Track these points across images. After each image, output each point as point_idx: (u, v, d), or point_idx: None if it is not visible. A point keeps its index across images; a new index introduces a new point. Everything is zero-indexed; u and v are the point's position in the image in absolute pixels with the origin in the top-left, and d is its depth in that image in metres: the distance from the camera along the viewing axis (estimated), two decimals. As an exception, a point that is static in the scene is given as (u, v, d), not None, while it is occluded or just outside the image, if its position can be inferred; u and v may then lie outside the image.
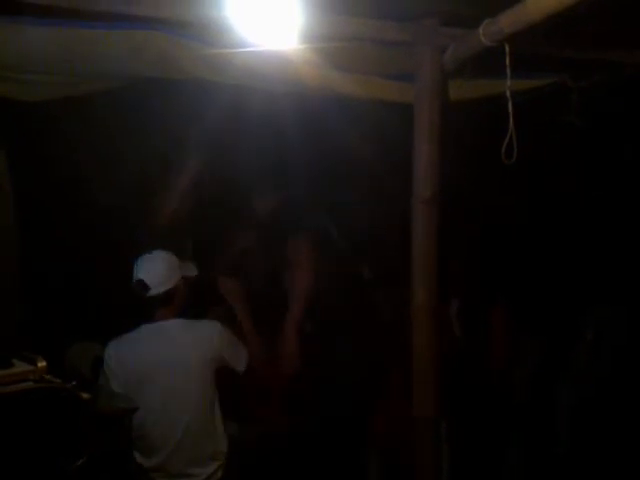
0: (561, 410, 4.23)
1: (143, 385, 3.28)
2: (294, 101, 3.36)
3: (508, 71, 2.78)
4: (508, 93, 2.80)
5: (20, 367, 2.42)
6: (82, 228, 3.90)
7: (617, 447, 3.94)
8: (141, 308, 3.36)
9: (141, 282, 3.31)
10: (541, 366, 4.28)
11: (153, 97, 3.58)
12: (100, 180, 3.94)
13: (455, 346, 4.01)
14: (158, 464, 3.32)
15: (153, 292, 3.31)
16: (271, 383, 3.95)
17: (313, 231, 4.12)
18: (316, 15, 2.61)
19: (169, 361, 3.30)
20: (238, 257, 4.04)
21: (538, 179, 4.37)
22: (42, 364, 2.45)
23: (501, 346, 4.22)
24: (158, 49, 2.84)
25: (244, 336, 3.58)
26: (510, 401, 4.21)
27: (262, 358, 3.63)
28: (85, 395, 2.59)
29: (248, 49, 2.66)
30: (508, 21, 2.60)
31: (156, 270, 3.34)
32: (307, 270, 4.00)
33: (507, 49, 2.75)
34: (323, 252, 4.08)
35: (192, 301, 3.49)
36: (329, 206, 4.29)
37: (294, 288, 3.99)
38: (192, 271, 3.51)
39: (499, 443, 4.17)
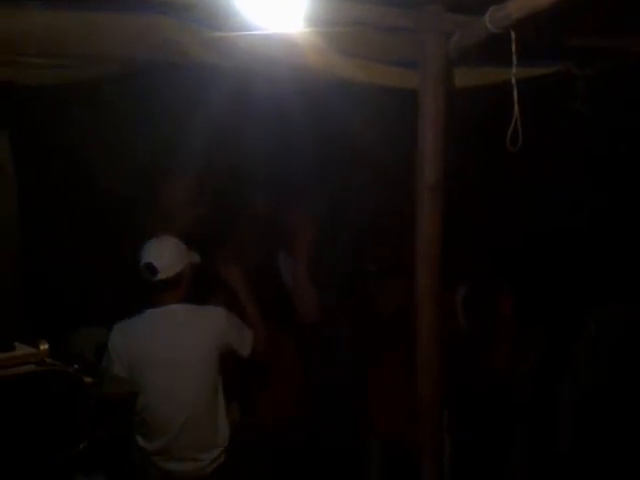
0: (563, 407, 4.23)
1: (147, 368, 3.29)
2: (299, 86, 3.35)
3: (514, 58, 2.77)
4: (514, 80, 2.79)
5: (22, 350, 2.43)
6: (86, 215, 3.90)
7: (619, 445, 3.94)
8: (146, 292, 3.36)
9: (150, 265, 3.32)
10: (543, 362, 4.28)
11: (158, 83, 3.56)
12: (105, 167, 3.93)
13: (459, 336, 4.00)
14: (161, 448, 3.34)
15: (161, 276, 3.33)
16: (275, 373, 3.94)
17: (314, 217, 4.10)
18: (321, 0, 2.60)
19: (174, 345, 3.31)
20: (240, 245, 4.03)
21: (543, 167, 4.36)
22: (44, 347, 2.46)
23: (505, 338, 4.21)
24: (163, 33, 2.82)
25: (248, 322, 3.57)
26: (512, 397, 4.21)
27: (267, 343, 3.62)
28: (87, 378, 2.60)
29: (253, 32, 2.64)
30: (514, 7, 2.58)
31: (164, 254, 3.36)
32: (308, 228, 4.01)
33: (513, 36, 2.74)
34: (324, 240, 4.06)
35: (194, 290, 3.49)
36: (332, 192, 4.27)
37: (296, 240, 4.02)
38: (195, 258, 3.51)
39: (502, 440, 4.17)
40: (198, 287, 3.56)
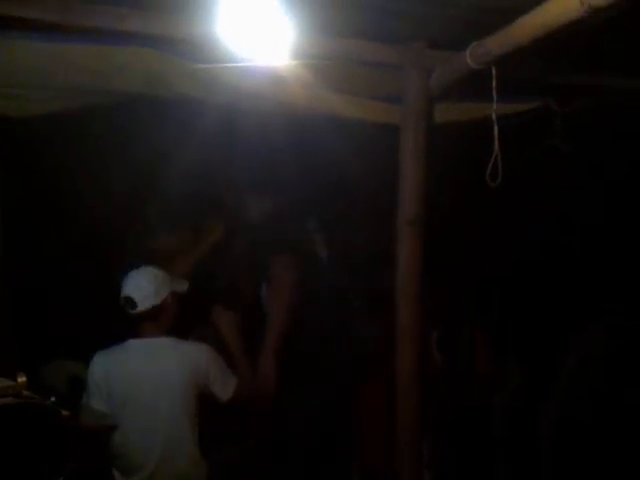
0: (543, 440, 4.22)
1: (126, 402, 3.24)
2: (283, 118, 3.37)
3: (494, 94, 2.81)
4: (494, 116, 2.83)
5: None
6: (67, 243, 3.88)
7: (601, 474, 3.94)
8: (127, 323, 3.33)
9: (128, 298, 3.28)
10: (522, 395, 4.28)
11: (144, 115, 3.57)
12: (88, 197, 3.92)
13: (436, 370, 4.00)
14: None
15: (140, 308, 3.29)
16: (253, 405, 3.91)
17: (298, 244, 4.08)
18: (306, 34, 2.62)
19: (153, 380, 3.26)
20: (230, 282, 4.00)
21: (521, 202, 4.40)
22: (22, 379, 2.42)
23: (483, 374, 4.22)
24: (146, 65, 2.84)
25: (236, 369, 3.53)
26: (492, 430, 4.20)
27: (251, 387, 3.58)
28: (65, 412, 2.56)
29: (238, 65, 2.66)
30: (495, 44, 2.63)
31: (143, 285, 3.31)
32: (287, 298, 3.90)
33: (494, 72, 2.78)
34: (307, 267, 4.04)
35: (182, 318, 3.46)
36: (318, 221, 4.26)
37: (272, 316, 3.93)
38: (182, 286, 3.48)
39: (482, 473, 4.15)
40: (187, 316, 3.53)
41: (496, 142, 2.82)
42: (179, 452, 3.31)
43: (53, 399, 2.55)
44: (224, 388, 3.40)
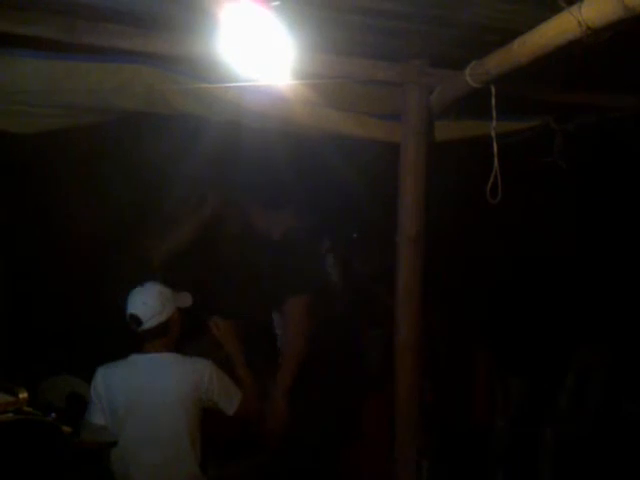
0: (543, 455, 4.22)
1: (127, 417, 3.24)
2: (284, 136, 3.38)
3: (493, 112, 2.83)
4: (493, 134, 2.85)
5: (0, 398, 2.40)
6: (66, 261, 3.88)
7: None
8: (130, 339, 3.33)
9: (134, 316, 3.28)
10: (524, 411, 4.28)
11: (144, 132, 3.59)
12: (87, 212, 3.93)
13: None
14: None
15: (146, 326, 3.29)
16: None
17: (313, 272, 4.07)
18: (307, 53, 2.65)
19: (154, 395, 3.25)
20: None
21: (522, 219, 4.41)
22: (23, 395, 2.44)
23: (483, 392, 4.22)
24: (146, 83, 2.85)
25: (235, 376, 3.53)
26: (493, 446, 4.20)
27: (255, 399, 3.58)
28: (65, 428, 2.57)
29: (240, 84, 2.68)
30: (494, 63, 2.65)
31: (149, 303, 3.30)
32: (301, 337, 3.89)
33: (493, 91, 2.80)
34: (322, 299, 4.02)
35: (186, 333, 3.47)
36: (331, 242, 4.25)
37: (285, 350, 3.93)
38: (187, 301, 3.48)
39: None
40: (192, 330, 3.54)
41: (496, 159, 2.83)
42: (179, 468, 3.30)
43: (54, 415, 2.55)
44: (229, 402, 3.40)
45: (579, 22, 2.09)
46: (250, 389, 3.53)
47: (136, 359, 3.34)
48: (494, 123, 2.84)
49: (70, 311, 3.86)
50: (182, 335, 3.46)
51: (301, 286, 3.89)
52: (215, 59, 2.51)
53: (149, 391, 3.26)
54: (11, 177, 3.74)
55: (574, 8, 2.09)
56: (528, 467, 4.22)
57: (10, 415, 2.38)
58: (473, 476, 4.05)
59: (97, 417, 3.26)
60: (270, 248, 4.02)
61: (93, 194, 3.93)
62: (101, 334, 3.59)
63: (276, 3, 2.15)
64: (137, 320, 3.27)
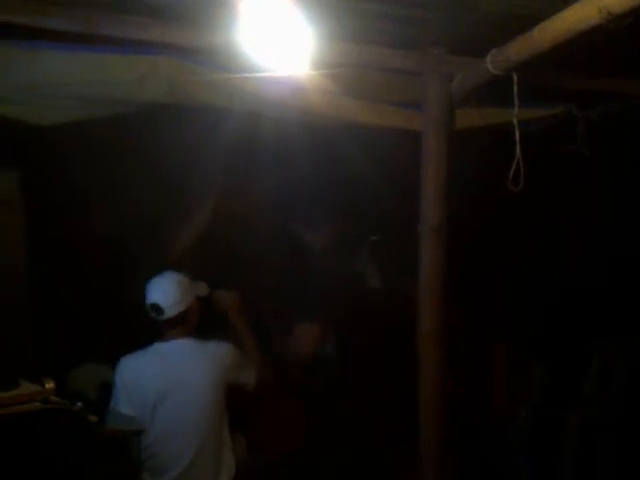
0: (567, 442, 4.20)
1: (157, 404, 3.27)
2: (305, 127, 3.38)
3: (516, 100, 2.81)
4: (515, 121, 2.83)
5: (27, 388, 2.43)
6: (90, 251, 3.91)
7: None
8: (154, 329, 3.36)
9: (155, 306, 3.32)
10: (546, 399, 4.26)
11: (164, 123, 3.60)
12: (109, 205, 3.95)
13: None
14: None
15: (167, 315, 3.32)
16: (282, 410, 3.92)
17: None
18: (326, 42, 2.64)
19: (182, 381, 3.30)
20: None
21: (545, 208, 4.38)
22: (50, 385, 2.45)
23: (504, 382, 4.21)
24: (167, 74, 2.86)
25: (247, 355, 3.58)
26: (515, 435, 4.18)
27: (266, 369, 3.62)
28: (92, 417, 2.59)
29: (258, 75, 2.68)
30: (515, 50, 2.63)
31: (169, 293, 3.34)
32: (303, 353, 3.98)
33: (515, 78, 2.79)
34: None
35: (203, 320, 3.50)
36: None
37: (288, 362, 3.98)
38: (204, 291, 3.52)
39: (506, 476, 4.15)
40: (207, 316, 3.56)
41: (518, 147, 2.82)
42: (208, 452, 3.34)
43: (80, 404, 2.57)
44: (249, 377, 3.47)
45: (599, 8, 2.08)
46: (259, 360, 3.58)
47: (160, 347, 3.37)
48: (516, 110, 2.82)
49: (96, 302, 3.90)
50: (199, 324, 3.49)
51: (316, 313, 3.97)
52: (234, 49, 2.51)
53: (177, 377, 3.30)
54: (30, 171, 3.77)
55: (594, -6, 2.08)
56: (552, 454, 4.20)
57: (37, 404, 2.40)
58: (496, 467, 4.04)
59: (124, 406, 3.30)
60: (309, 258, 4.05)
61: (112, 187, 3.95)
62: (126, 324, 3.61)
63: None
64: (158, 309, 3.30)
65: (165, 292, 3.34)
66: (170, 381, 3.30)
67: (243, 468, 3.55)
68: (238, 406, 3.62)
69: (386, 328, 3.94)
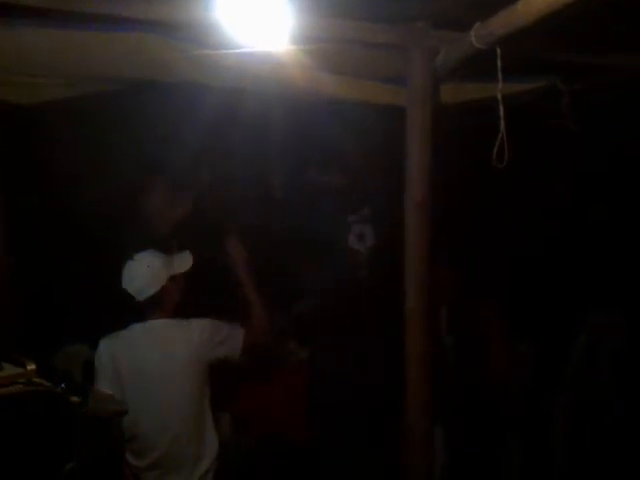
0: (557, 421, 4.22)
1: (134, 385, 3.28)
2: (286, 103, 3.36)
3: (499, 74, 2.78)
4: (499, 96, 2.81)
5: (9, 370, 2.42)
6: (71, 231, 3.89)
7: (614, 459, 3.93)
8: (132, 309, 3.35)
9: (126, 291, 3.32)
10: (535, 377, 4.28)
11: (145, 100, 3.57)
12: (91, 183, 3.92)
13: (444, 353, 3.99)
14: (151, 463, 3.33)
15: (139, 298, 3.33)
16: (272, 389, 3.92)
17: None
18: (307, 17, 2.60)
19: (158, 361, 3.31)
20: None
21: (530, 183, 4.37)
22: (31, 367, 2.44)
23: (497, 356, 4.21)
24: (149, 51, 2.84)
25: (250, 309, 3.58)
26: (505, 412, 4.19)
27: (266, 320, 3.61)
28: (74, 398, 2.58)
29: (239, 50, 2.65)
30: (499, 24, 2.60)
31: (136, 277, 3.34)
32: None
33: (498, 52, 2.76)
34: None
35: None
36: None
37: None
38: (186, 264, 3.48)
39: (496, 455, 4.16)
40: (202, 285, 3.55)
41: (502, 122, 2.79)
42: (190, 430, 3.34)
43: (63, 386, 2.56)
44: (233, 349, 3.45)
45: (585, -20, 2.05)
46: (261, 311, 3.58)
47: (134, 328, 3.39)
48: (500, 85, 2.80)
49: (80, 282, 3.88)
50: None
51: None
52: (214, 25, 2.48)
53: (153, 358, 3.32)
54: (17, 147, 3.73)
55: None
56: (542, 430, 4.22)
57: (19, 386, 2.39)
58: (485, 439, 4.06)
59: (104, 387, 3.29)
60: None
61: (95, 165, 3.92)
62: (111, 304, 3.60)
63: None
64: (129, 295, 3.30)
65: (133, 277, 3.35)
66: (144, 362, 3.31)
67: (228, 445, 3.55)
68: (225, 382, 3.63)
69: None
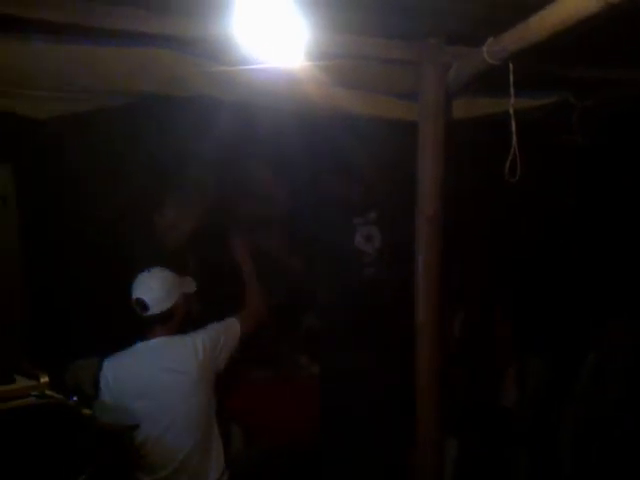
0: (565, 432, 4.21)
1: (141, 405, 3.25)
2: (300, 119, 3.37)
3: (512, 90, 2.80)
4: (511, 111, 2.82)
5: (22, 383, 2.43)
6: (85, 244, 3.90)
7: (622, 474, 3.92)
8: (138, 325, 3.34)
9: (140, 301, 3.29)
10: (544, 390, 4.27)
11: (160, 115, 3.58)
12: (104, 196, 3.93)
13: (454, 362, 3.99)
14: (161, 478, 3.31)
15: (152, 311, 3.30)
16: (283, 403, 3.93)
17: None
18: (322, 33, 2.63)
19: (165, 380, 3.28)
20: None
21: (541, 195, 4.37)
22: (44, 380, 2.46)
23: (505, 361, 4.21)
24: (164, 66, 2.85)
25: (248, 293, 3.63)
26: (514, 425, 4.19)
27: (263, 303, 3.66)
28: (87, 411, 2.59)
29: (255, 66, 2.66)
30: (511, 39, 2.62)
31: (155, 288, 3.31)
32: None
33: (511, 67, 2.77)
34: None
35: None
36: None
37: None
38: (191, 287, 3.49)
39: (504, 467, 4.14)
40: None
41: (514, 137, 2.81)
42: (201, 445, 3.33)
43: (75, 399, 2.57)
44: (233, 338, 3.48)
45: (597, -3, 2.06)
46: (254, 290, 3.65)
47: (137, 347, 3.36)
48: (512, 100, 2.81)
49: (94, 295, 3.89)
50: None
51: None
52: (229, 41, 2.49)
53: (158, 376, 3.28)
54: (32, 160, 3.75)
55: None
56: (550, 445, 4.21)
57: (32, 399, 2.40)
58: (495, 452, 4.05)
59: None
60: None
61: (109, 179, 3.93)
62: (123, 318, 3.61)
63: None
64: (143, 305, 3.28)
65: (151, 288, 3.31)
66: (150, 381, 3.28)
67: (239, 459, 3.55)
68: (236, 396, 3.63)
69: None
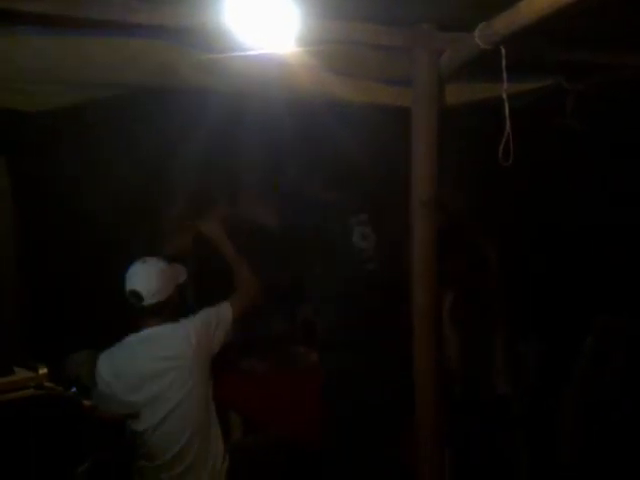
0: (563, 418, 4.22)
1: (140, 395, 3.27)
2: (292, 106, 3.37)
3: (504, 74, 2.79)
4: (505, 96, 2.82)
5: (21, 374, 2.44)
6: (80, 237, 3.90)
7: (622, 454, 3.93)
8: (131, 316, 3.34)
9: (134, 292, 3.30)
10: (542, 376, 4.28)
11: (153, 106, 3.58)
12: (98, 190, 3.93)
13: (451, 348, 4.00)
14: (162, 464, 3.33)
15: (147, 302, 3.31)
16: (285, 393, 3.93)
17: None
18: (313, 19, 2.62)
19: (162, 369, 3.30)
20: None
21: (536, 182, 4.38)
22: (43, 371, 2.46)
23: (502, 359, 4.21)
24: (156, 56, 2.84)
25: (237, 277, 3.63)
26: (512, 411, 4.19)
27: (253, 280, 3.66)
28: (86, 402, 2.60)
29: (245, 53, 2.66)
30: (502, 24, 2.62)
31: (150, 279, 3.33)
32: None
33: (503, 52, 2.77)
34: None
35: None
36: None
37: None
38: (182, 276, 3.50)
39: (502, 453, 4.16)
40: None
41: (507, 122, 2.81)
42: (199, 432, 3.35)
43: (74, 390, 2.58)
44: (225, 321, 3.48)
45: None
46: (243, 275, 3.64)
47: (130, 340, 3.38)
48: (505, 85, 2.81)
49: (89, 288, 3.89)
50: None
51: None
52: (220, 28, 2.49)
53: (152, 367, 3.31)
54: (26, 154, 3.75)
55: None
56: (548, 429, 4.22)
57: (31, 390, 2.40)
58: (493, 437, 4.06)
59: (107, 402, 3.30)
60: None
61: (102, 171, 3.93)
62: (119, 310, 3.61)
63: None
64: (138, 296, 3.28)
65: (146, 279, 3.32)
66: (145, 371, 3.30)
67: (238, 448, 3.56)
68: (235, 384, 3.64)
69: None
